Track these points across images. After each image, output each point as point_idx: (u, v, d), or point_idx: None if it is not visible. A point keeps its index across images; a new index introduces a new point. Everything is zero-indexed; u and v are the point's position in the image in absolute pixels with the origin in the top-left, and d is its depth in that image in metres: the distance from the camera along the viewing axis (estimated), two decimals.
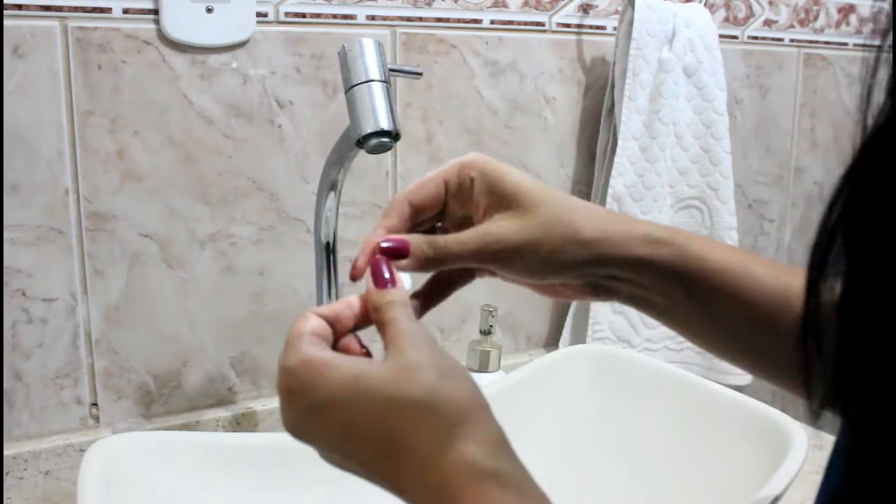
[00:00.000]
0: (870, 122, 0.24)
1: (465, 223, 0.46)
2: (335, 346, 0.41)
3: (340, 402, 0.36)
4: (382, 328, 0.39)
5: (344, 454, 0.37)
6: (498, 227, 0.44)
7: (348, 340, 0.41)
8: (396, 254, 0.43)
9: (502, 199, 0.44)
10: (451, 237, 0.44)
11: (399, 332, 0.38)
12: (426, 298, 0.49)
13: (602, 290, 0.46)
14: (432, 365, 0.36)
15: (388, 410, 0.35)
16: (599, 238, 0.44)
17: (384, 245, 0.43)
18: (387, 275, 0.41)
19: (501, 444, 0.36)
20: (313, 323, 0.40)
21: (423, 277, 0.49)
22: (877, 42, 0.24)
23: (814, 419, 0.27)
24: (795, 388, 0.47)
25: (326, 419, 0.36)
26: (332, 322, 0.40)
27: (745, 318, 0.44)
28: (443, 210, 0.47)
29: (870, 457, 0.24)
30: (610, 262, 0.44)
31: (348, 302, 0.42)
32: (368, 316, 0.41)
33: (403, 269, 0.43)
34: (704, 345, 0.47)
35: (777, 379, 0.46)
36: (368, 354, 0.41)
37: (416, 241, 0.43)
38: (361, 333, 0.43)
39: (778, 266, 0.45)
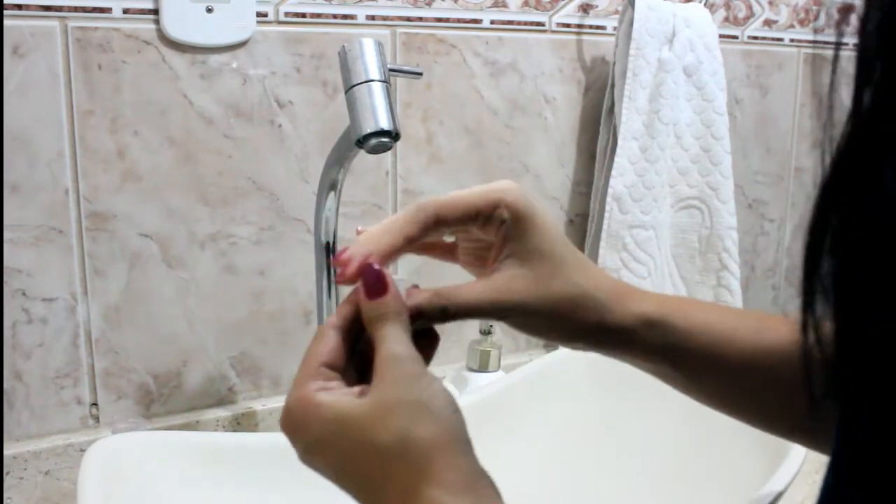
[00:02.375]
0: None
1: (480, 247, 0.47)
2: (356, 347, 0.42)
3: (328, 442, 0.37)
4: (373, 346, 0.39)
5: (343, 486, 0.38)
6: (507, 290, 0.44)
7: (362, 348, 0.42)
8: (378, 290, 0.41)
9: (521, 256, 0.44)
10: (463, 295, 0.44)
11: (383, 360, 0.38)
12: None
13: (596, 350, 0.48)
14: (406, 404, 0.36)
15: (366, 455, 0.36)
16: (604, 316, 0.45)
17: (365, 280, 0.41)
18: (377, 284, 0.40)
19: (470, 482, 0.36)
20: (325, 350, 0.40)
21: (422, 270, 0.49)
22: (833, 38, 0.25)
23: (813, 412, 0.27)
24: (797, 437, 0.50)
25: (321, 456, 0.38)
26: (349, 329, 0.41)
27: (730, 381, 0.47)
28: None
29: (860, 450, 0.24)
30: (608, 340, 0.46)
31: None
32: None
33: (416, 328, 0.41)
34: (698, 400, 0.50)
35: (773, 428, 0.49)
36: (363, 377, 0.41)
37: (428, 300, 0.43)
38: None
39: (756, 319, 0.47)
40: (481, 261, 0.48)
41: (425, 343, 0.43)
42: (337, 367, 0.40)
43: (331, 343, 0.40)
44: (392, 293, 0.40)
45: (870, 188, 0.23)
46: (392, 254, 0.43)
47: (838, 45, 0.25)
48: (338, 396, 0.38)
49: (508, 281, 0.44)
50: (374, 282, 0.40)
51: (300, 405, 0.38)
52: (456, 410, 0.37)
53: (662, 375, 0.48)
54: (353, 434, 0.37)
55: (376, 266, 0.40)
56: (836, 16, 0.25)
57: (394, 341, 0.38)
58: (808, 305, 0.26)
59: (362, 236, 0.43)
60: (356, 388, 0.39)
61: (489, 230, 0.45)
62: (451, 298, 0.43)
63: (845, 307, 0.24)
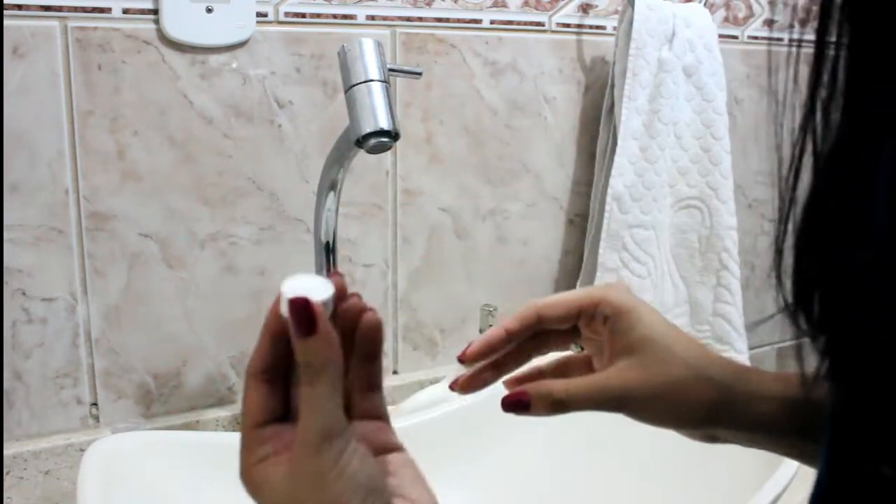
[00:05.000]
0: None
1: (595, 349, 0.48)
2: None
3: None
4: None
5: None
6: (620, 380, 0.45)
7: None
8: (519, 405, 0.45)
9: (630, 347, 0.45)
10: (573, 389, 0.45)
11: (299, 443, 0.35)
12: (497, 366, 0.49)
13: (734, 438, 0.47)
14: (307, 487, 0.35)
15: None
16: (719, 403, 0.45)
17: (505, 399, 0.45)
18: (306, 318, 0.35)
19: None
20: (253, 409, 0.38)
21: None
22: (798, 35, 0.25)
23: (807, 388, 0.27)
24: None
25: None
26: (272, 368, 0.38)
27: None
28: (576, 326, 0.48)
29: (853, 432, 0.24)
30: (736, 422, 0.46)
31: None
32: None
33: (529, 415, 0.44)
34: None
35: None
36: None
37: (538, 395, 0.45)
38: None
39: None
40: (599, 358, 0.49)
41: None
42: (270, 417, 0.37)
43: (254, 398, 0.38)
44: (323, 336, 0.35)
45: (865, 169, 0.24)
46: (493, 343, 0.46)
47: (800, 42, 0.25)
48: (270, 473, 0.37)
49: (619, 372, 0.45)
50: (301, 312, 0.35)
51: (245, 481, 0.38)
52: (366, 499, 0.35)
53: (805, 455, 0.46)
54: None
55: (315, 299, 0.35)
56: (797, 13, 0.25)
57: (315, 411, 0.35)
58: (798, 290, 0.26)
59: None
60: (286, 457, 0.37)
61: (595, 327, 0.47)
62: (568, 391, 0.45)
63: (835, 294, 0.25)
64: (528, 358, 0.49)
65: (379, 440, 0.40)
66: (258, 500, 0.37)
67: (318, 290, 0.36)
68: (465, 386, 0.49)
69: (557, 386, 0.45)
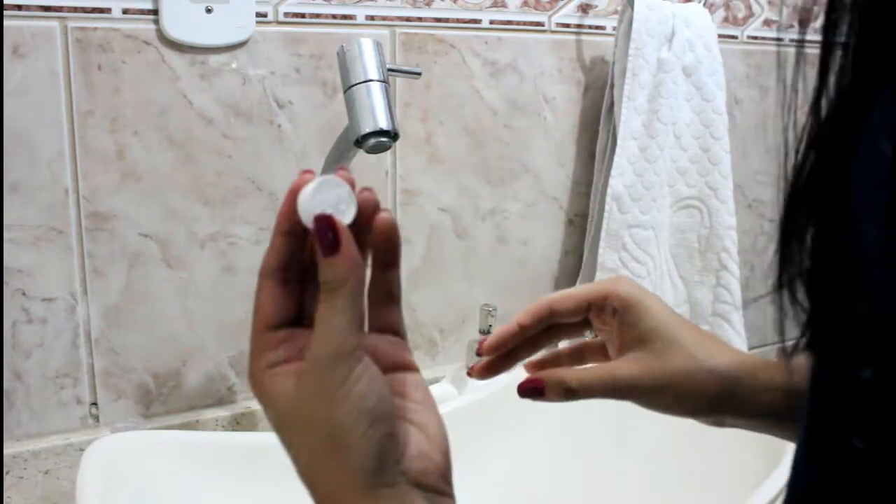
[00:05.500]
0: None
1: (608, 336, 0.51)
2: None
3: (280, 423, 0.37)
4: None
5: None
6: (629, 371, 0.47)
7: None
8: (534, 391, 0.48)
9: (638, 338, 0.48)
10: (585, 379, 0.47)
11: (311, 359, 0.35)
12: (511, 355, 0.52)
13: (744, 424, 0.49)
14: (316, 427, 0.35)
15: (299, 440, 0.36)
16: (725, 394, 0.46)
17: (521, 385, 0.48)
18: (330, 236, 0.34)
19: None
20: (265, 310, 0.37)
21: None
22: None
23: (787, 359, 0.27)
24: None
25: (281, 434, 0.37)
26: (285, 266, 0.37)
27: None
28: (587, 319, 0.51)
29: (831, 404, 0.25)
30: (745, 413, 0.48)
31: None
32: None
33: (544, 400, 0.47)
34: None
35: None
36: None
37: (553, 382, 0.47)
38: None
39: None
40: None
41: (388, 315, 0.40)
42: (283, 320, 0.37)
43: (267, 298, 0.37)
44: (346, 256, 0.34)
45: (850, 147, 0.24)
46: (507, 338, 0.50)
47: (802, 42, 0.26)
48: (278, 382, 0.36)
49: (628, 364, 0.48)
50: (325, 232, 0.34)
51: (253, 385, 0.37)
52: (372, 424, 0.34)
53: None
54: (293, 420, 0.36)
55: (338, 219, 0.34)
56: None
57: (329, 329, 0.34)
58: (784, 258, 0.26)
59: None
60: (297, 367, 0.36)
61: (605, 318, 0.49)
62: (580, 381, 0.47)
63: (818, 269, 0.25)
64: (540, 348, 0.52)
65: (392, 357, 0.39)
66: (265, 407, 0.36)
67: (342, 206, 0.35)
68: (481, 372, 0.52)
69: (570, 375, 0.47)
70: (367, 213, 0.37)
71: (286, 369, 0.36)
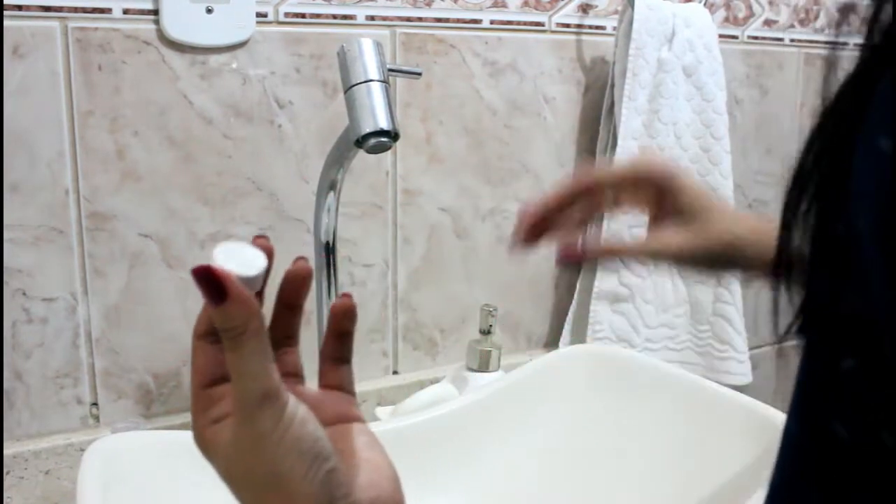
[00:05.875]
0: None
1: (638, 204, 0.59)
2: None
3: (226, 474, 0.37)
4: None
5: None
6: (669, 241, 0.56)
7: None
8: (572, 257, 0.58)
9: (675, 211, 0.56)
10: (635, 246, 0.58)
11: (234, 395, 0.35)
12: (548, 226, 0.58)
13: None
14: (255, 475, 0.35)
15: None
16: (739, 258, 0.55)
17: (561, 253, 0.58)
18: (213, 285, 0.33)
19: None
20: (198, 371, 0.37)
21: None
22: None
23: (779, 341, 0.28)
24: None
25: (230, 483, 0.37)
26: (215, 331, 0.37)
27: None
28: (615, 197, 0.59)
29: (822, 384, 0.25)
30: (736, 270, 0.58)
31: None
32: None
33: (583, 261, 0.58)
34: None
35: None
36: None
37: (597, 248, 0.58)
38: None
39: None
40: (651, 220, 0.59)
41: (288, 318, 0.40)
42: (217, 377, 0.37)
43: (200, 359, 0.37)
44: (236, 300, 0.33)
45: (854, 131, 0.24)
46: (555, 200, 0.56)
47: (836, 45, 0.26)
48: (220, 436, 0.36)
49: (667, 236, 0.56)
50: (207, 282, 0.33)
51: (198, 442, 0.37)
52: (312, 465, 0.34)
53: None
54: (236, 470, 0.36)
55: (215, 266, 0.33)
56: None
57: (243, 376, 0.34)
58: (782, 243, 0.27)
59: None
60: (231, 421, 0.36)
61: (643, 195, 0.56)
62: (624, 248, 0.58)
63: (822, 249, 0.25)
64: (573, 223, 0.58)
65: (337, 410, 0.39)
66: (210, 461, 0.36)
67: (249, 263, 0.35)
68: (525, 238, 0.57)
69: (615, 244, 0.59)
70: (293, 281, 0.39)
71: (227, 423, 0.36)
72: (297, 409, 0.34)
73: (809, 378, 0.26)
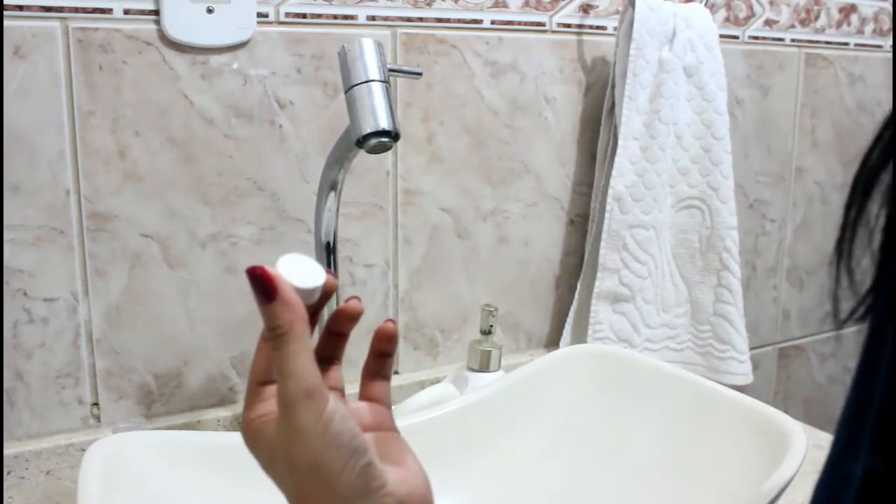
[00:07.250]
0: None
1: None
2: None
3: (271, 463, 0.40)
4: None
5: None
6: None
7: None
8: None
9: None
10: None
11: (279, 393, 0.37)
12: None
13: None
14: (299, 465, 0.37)
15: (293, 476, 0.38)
16: None
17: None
18: (262, 285, 0.37)
19: None
20: (257, 368, 0.41)
21: None
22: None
23: (839, 327, 0.28)
24: None
25: (273, 472, 0.40)
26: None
27: None
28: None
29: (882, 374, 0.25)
30: None
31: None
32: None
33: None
34: None
35: None
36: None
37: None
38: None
39: None
40: None
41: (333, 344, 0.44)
42: (270, 377, 0.40)
43: (260, 357, 0.41)
44: (283, 300, 0.37)
45: None
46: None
47: None
48: (265, 428, 0.39)
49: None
50: (259, 281, 0.37)
51: (243, 433, 0.40)
52: (351, 457, 0.36)
53: None
54: (279, 461, 0.38)
55: (271, 269, 0.37)
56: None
57: (288, 373, 0.36)
58: (844, 230, 0.27)
59: None
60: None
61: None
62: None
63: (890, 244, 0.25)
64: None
65: (374, 419, 0.42)
66: (254, 452, 0.40)
67: (307, 277, 0.38)
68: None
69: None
70: (342, 315, 0.42)
71: (272, 418, 0.39)
72: (337, 407, 0.36)
73: (873, 363, 0.25)
